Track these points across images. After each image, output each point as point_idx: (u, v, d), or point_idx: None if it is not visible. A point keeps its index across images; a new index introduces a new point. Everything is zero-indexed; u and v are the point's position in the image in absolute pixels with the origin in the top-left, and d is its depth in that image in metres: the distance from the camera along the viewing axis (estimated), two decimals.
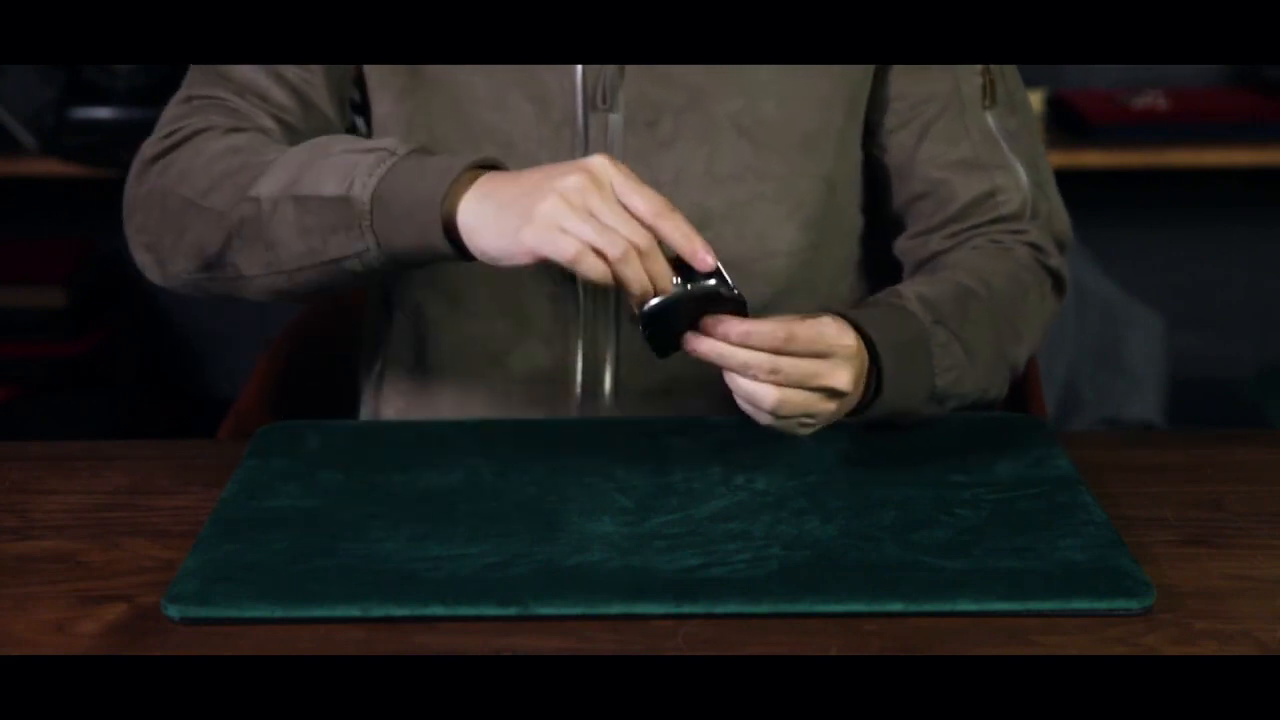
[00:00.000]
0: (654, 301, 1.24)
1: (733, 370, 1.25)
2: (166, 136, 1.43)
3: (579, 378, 1.49)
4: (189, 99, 1.47)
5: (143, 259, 1.43)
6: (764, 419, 1.27)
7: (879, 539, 1.23)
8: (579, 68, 1.44)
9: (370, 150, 1.31)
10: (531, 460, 1.35)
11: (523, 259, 1.24)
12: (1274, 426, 3.03)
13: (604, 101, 1.44)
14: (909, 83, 1.50)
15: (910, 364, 1.33)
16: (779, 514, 1.26)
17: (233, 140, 1.40)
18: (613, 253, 1.21)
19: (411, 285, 1.52)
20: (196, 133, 1.42)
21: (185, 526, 1.28)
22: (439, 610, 1.14)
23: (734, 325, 1.23)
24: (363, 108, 1.52)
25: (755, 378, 1.24)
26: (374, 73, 1.48)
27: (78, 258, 2.95)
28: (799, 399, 1.25)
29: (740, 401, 1.27)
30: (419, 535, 1.23)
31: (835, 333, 1.26)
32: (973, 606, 1.14)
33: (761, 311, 1.47)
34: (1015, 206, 1.50)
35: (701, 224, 1.44)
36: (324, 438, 1.41)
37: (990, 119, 1.50)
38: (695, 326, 1.25)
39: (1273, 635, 1.12)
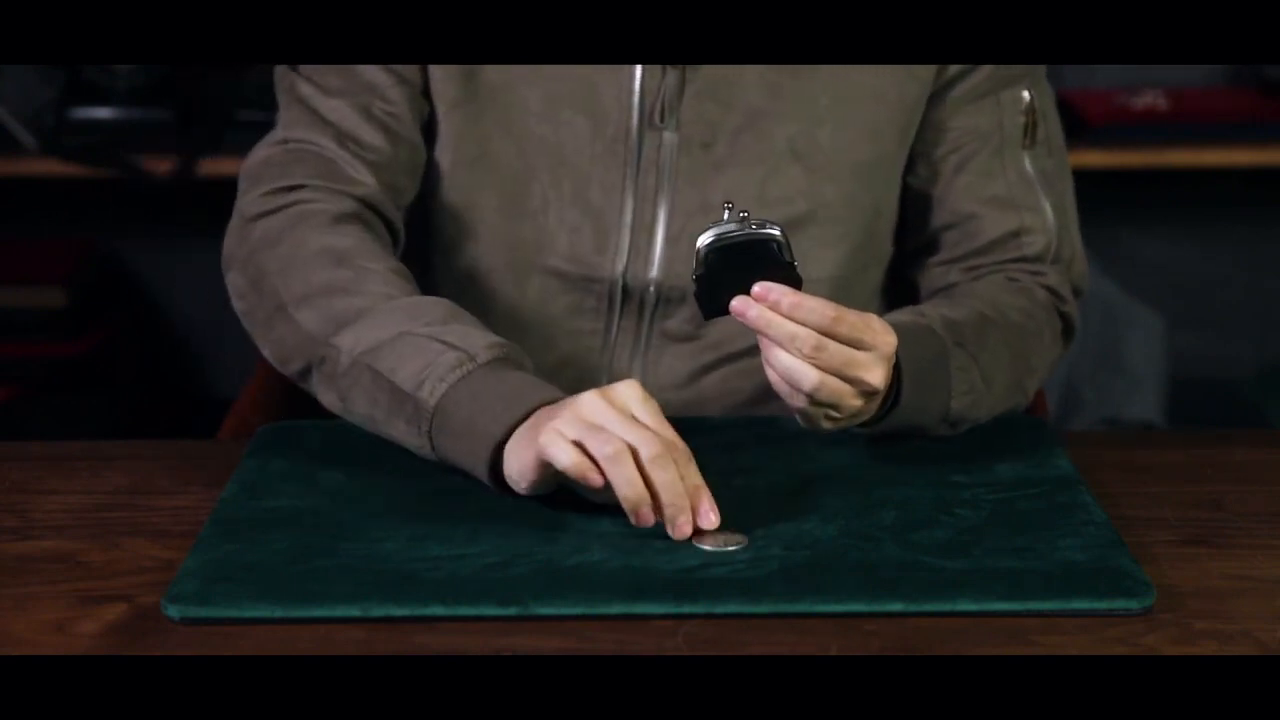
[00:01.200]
0: (709, 235, 1.24)
1: (778, 341, 1.23)
2: (267, 195, 1.43)
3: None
4: (285, 141, 1.46)
5: (238, 310, 1.43)
6: (798, 401, 1.26)
7: (879, 539, 1.23)
8: (636, 84, 1.43)
9: (454, 347, 1.28)
10: None
11: (532, 473, 1.23)
12: (1274, 426, 3.02)
13: (661, 119, 1.43)
14: (953, 114, 1.50)
15: (930, 382, 1.33)
16: (779, 514, 1.26)
17: (335, 240, 1.39)
18: (602, 451, 1.19)
19: (448, 294, 1.51)
20: (301, 209, 1.41)
21: (185, 526, 1.28)
22: (439, 610, 1.14)
23: (786, 294, 1.22)
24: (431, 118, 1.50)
25: (798, 353, 1.23)
26: (431, 81, 1.47)
27: (78, 258, 2.95)
28: (834, 386, 1.24)
29: (775, 381, 1.26)
30: (419, 535, 1.23)
31: (880, 327, 1.26)
32: (973, 606, 1.14)
33: None
34: (1039, 248, 1.50)
35: None
36: (324, 438, 1.41)
37: (1027, 160, 1.51)
38: (745, 292, 1.24)
39: (1273, 635, 1.12)
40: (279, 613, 1.15)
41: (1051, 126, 1.54)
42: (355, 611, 1.14)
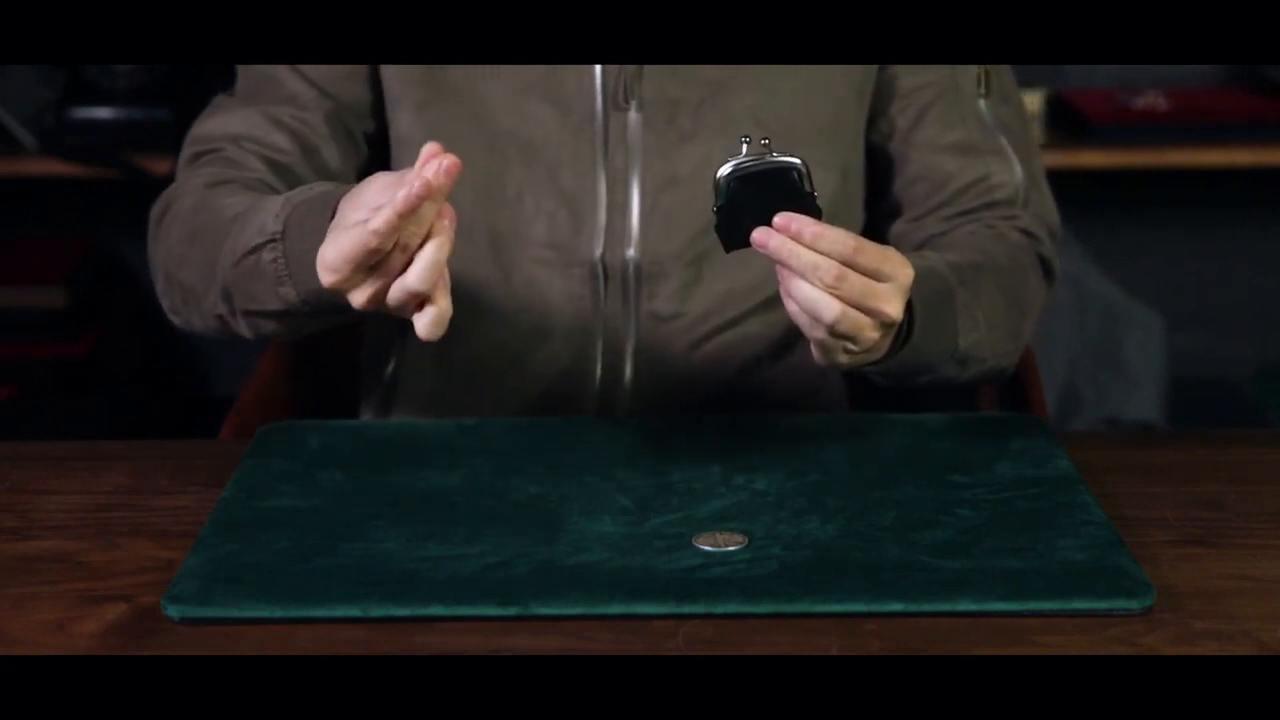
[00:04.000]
0: (729, 165, 1.23)
1: (799, 271, 1.22)
2: (163, 196, 1.48)
3: (598, 375, 1.50)
4: (194, 156, 1.50)
5: (173, 319, 1.46)
6: (818, 332, 1.25)
7: (879, 539, 1.23)
8: (597, 70, 1.46)
9: (259, 248, 1.29)
10: (531, 460, 1.35)
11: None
12: (1274, 426, 3.03)
13: (624, 100, 1.46)
14: (906, 70, 1.53)
15: (938, 319, 1.34)
16: (779, 514, 1.26)
17: (200, 196, 1.42)
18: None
19: None
20: (182, 193, 1.45)
21: (185, 526, 1.28)
22: (439, 610, 1.14)
23: (807, 225, 1.22)
24: (379, 136, 1.53)
25: (819, 283, 1.23)
26: (391, 88, 1.50)
27: (78, 258, 2.95)
28: (854, 317, 1.24)
29: (795, 312, 1.25)
30: (419, 535, 1.23)
31: (898, 260, 1.26)
32: (973, 606, 1.14)
33: (768, 302, 1.48)
34: (1008, 193, 1.52)
35: None
36: (324, 438, 1.41)
37: (984, 107, 1.53)
38: (768, 223, 1.22)
39: (1273, 635, 1.12)
40: (279, 613, 1.15)
41: (1006, 80, 1.55)
42: (355, 611, 1.14)
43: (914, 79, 1.52)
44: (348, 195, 1.23)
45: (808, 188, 1.24)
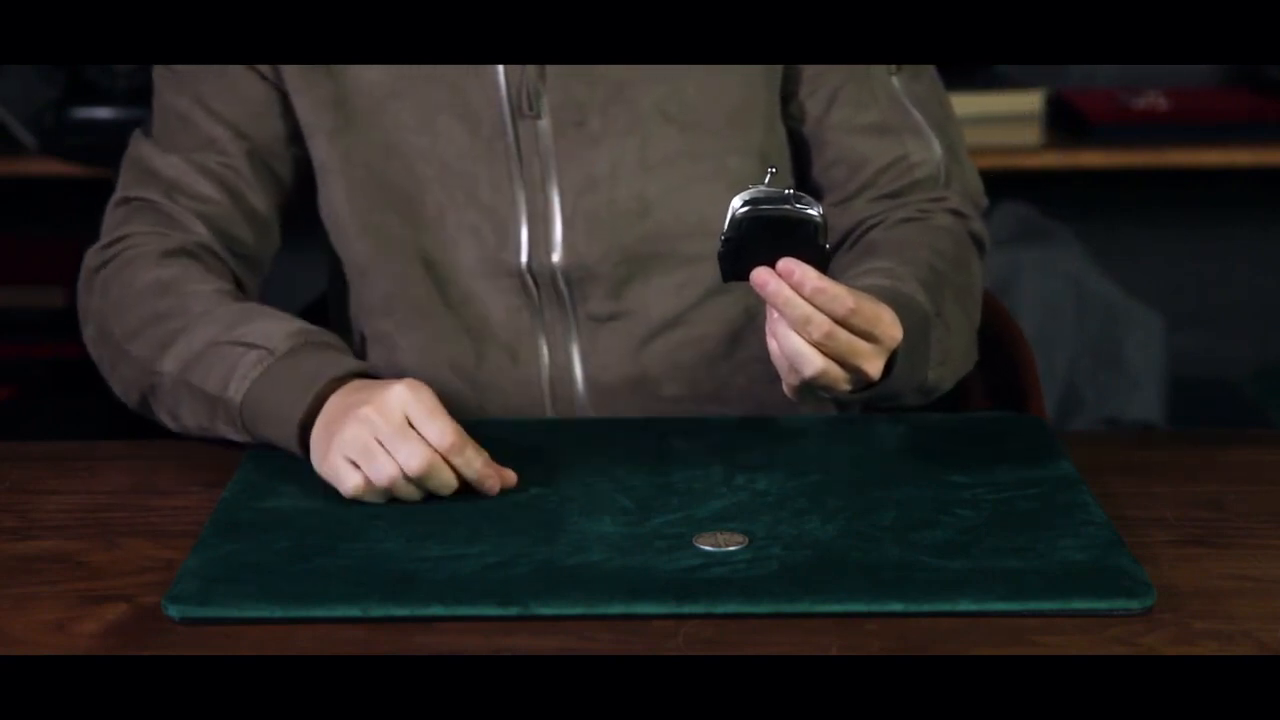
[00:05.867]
0: (746, 196, 1.22)
1: (791, 321, 1.22)
2: (106, 247, 1.52)
3: (548, 384, 1.49)
4: (125, 200, 1.53)
5: (96, 362, 1.51)
6: (794, 380, 1.25)
7: (879, 539, 1.23)
8: (501, 80, 1.45)
9: (253, 346, 1.37)
10: (531, 460, 1.35)
11: (331, 477, 1.30)
12: (1274, 426, 3.02)
13: (530, 108, 1.45)
14: None
15: (915, 358, 1.33)
16: (779, 514, 1.26)
17: (161, 273, 1.46)
18: (379, 482, 1.27)
19: (378, 316, 1.53)
20: (132, 253, 1.49)
21: (185, 526, 1.28)
22: (439, 610, 1.14)
23: (810, 277, 1.21)
24: (305, 163, 1.53)
25: (808, 336, 1.22)
26: (304, 116, 1.49)
27: (78, 258, 2.94)
28: (835, 373, 1.24)
29: (776, 356, 1.25)
30: (419, 535, 1.23)
31: (890, 321, 1.25)
32: (973, 606, 1.14)
33: (708, 295, 1.47)
34: (929, 171, 1.51)
35: (642, 212, 1.46)
36: None
37: (897, 84, 1.51)
38: (771, 264, 1.22)
39: (1273, 635, 1.12)
40: (279, 613, 1.15)
41: None
42: (355, 611, 1.14)
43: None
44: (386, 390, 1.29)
45: (821, 241, 1.23)
